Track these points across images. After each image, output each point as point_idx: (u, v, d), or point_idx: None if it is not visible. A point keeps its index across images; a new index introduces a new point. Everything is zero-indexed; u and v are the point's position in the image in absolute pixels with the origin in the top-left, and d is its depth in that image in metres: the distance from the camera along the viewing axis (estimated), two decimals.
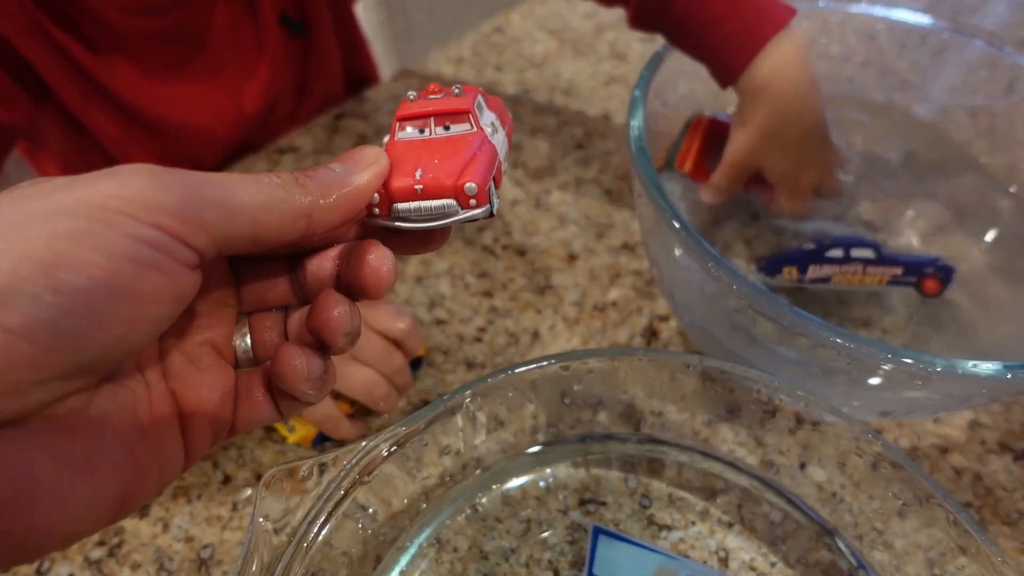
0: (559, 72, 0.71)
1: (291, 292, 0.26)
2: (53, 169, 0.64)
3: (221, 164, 0.66)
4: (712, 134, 0.50)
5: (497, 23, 0.76)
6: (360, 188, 0.23)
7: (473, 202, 0.24)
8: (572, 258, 0.54)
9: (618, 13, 0.78)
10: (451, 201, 0.23)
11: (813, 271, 0.46)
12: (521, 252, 0.54)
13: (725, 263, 0.35)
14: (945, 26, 0.53)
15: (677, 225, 0.36)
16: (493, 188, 0.25)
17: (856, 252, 0.46)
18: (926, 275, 0.46)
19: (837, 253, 0.46)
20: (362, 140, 0.64)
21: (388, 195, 0.24)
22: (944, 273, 0.46)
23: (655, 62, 0.45)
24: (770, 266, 0.47)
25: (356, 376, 0.42)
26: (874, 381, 0.36)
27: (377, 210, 0.24)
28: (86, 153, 0.62)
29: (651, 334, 0.49)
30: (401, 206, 0.24)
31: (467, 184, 0.23)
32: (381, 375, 0.42)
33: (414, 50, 1.42)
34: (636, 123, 0.41)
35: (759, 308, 0.35)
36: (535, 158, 0.62)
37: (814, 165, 0.49)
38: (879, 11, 0.54)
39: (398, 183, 0.24)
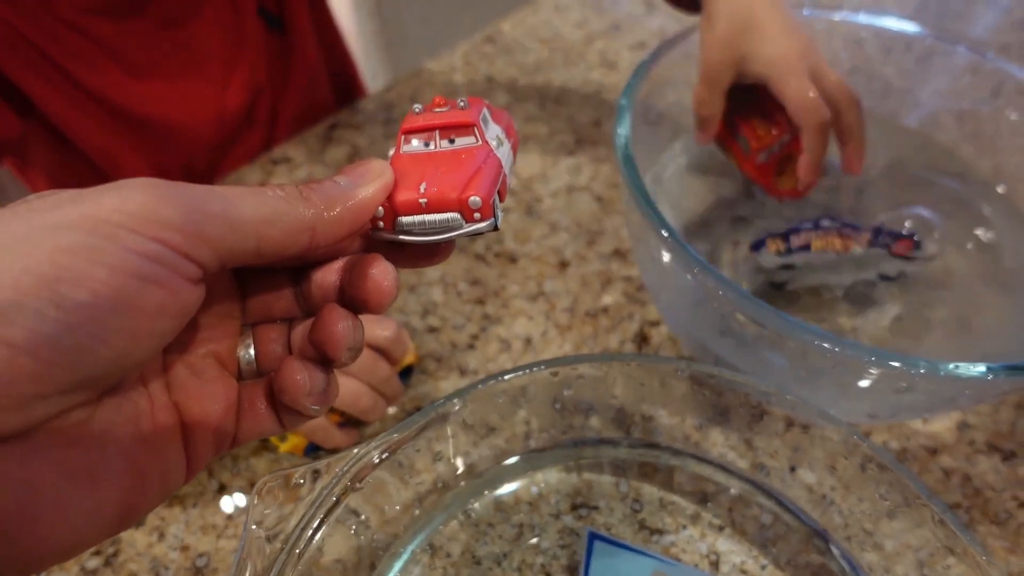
0: (550, 81, 0.72)
1: (295, 304, 0.26)
2: (43, 183, 0.64)
3: (209, 169, 0.67)
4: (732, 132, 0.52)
5: (488, 32, 0.77)
6: (364, 201, 0.23)
7: (477, 215, 0.24)
8: (564, 265, 0.54)
9: (608, 21, 0.79)
10: (455, 215, 0.24)
11: (795, 240, 0.47)
12: (513, 259, 0.55)
13: (711, 269, 0.35)
14: (929, 33, 0.54)
15: (664, 232, 0.37)
16: (498, 201, 0.25)
17: (824, 223, 0.48)
18: (894, 236, 0.47)
19: (808, 224, 0.48)
20: (355, 150, 0.64)
21: (392, 208, 0.24)
22: (910, 236, 0.48)
23: (642, 71, 0.46)
24: (756, 244, 0.48)
25: (342, 387, 0.42)
26: (860, 383, 0.37)
27: (381, 223, 0.24)
28: (73, 167, 0.62)
29: (642, 339, 0.50)
30: (405, 219, 0.24)
31: (471, 198, 0.23)
32: (367, 385, 0.43)
33: (408, 59, 1.43)
34: (623, 131, 0.42)
35: (745, 312, 0.35)
36: (527, 166, 0.62)
37: (805, 42, 0.46)
38: (864, 19, 0.54)
39: (402, 196, 0.24)
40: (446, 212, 0.24)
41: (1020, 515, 0.42)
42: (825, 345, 0.34)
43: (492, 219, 0.24)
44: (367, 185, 0.23)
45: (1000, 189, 0.52)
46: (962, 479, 0.44)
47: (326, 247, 0.23)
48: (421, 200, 0.23)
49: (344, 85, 0.79)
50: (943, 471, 0.44)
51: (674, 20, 0.79)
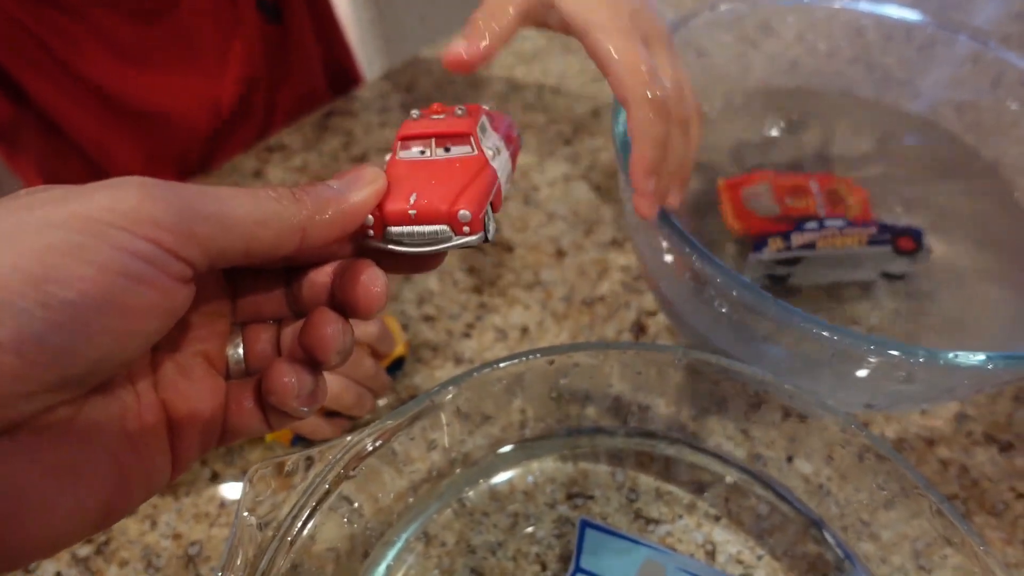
0: (548, 69, 0.71)
1: (286, 305, 0.26)
2: (31, 172, 0.63)
3: (203, 160, 0.66)
4: (738, 188, 0.51)
5: None
6: (356, 206, 0.23)
7: (466, 229, 0.23)
8: (561, 254, 0.54)
9: None
10: (444, 227, 0.23)
11: (797, 239, 0.46)
12: (509, 248, 0.54)
13: (711, 257, 0.35)
14: (931, 22, 0.53)
15: (662, 221, 0.36)
16: (490, 213, 0.25)
17: (829, 222, 0.47)
18: (899, 234, 0.47)
19: (813, 224, 0.47)
20: (351, 138, 0.64)
21: (382, 218, 0.24)
22: (914, 233, 0.47)
23: None
24: (757, 244, 0.47)
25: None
26: (858, 373, 0.36)
27: (371, 232, 0.24)
28: (64, 157, 0.62)
29: (639, 329, 0.49)
30: (394, 230, 0.24)
31: (461, 211, 0.23)
32: (350, 380, 0.42)
33: (405, 48, 1.42)
34: (622, 119, 0.41)
35: (744, 301, 0.35)
36: (524, 155, 0.62)
37: (645, 7, 0.34)
38: (865, 6, 0.54)
39: (392, 206, 0.24)
40: (435, 224, 0.24)
41: (1017, 506, 0.42)
42: (824, 334, 0.33)
43: (482, 232, 0.24)
44: (359, 190, 0.23)
45: (1000, 180, 0.52)
46: (959, 470, 0.43)
47: (316, 250, 0.23)
48: (410, 211, 0.23)
49: (341, 76, 0.78)
50: (940, 462, 0.44)
51: (674, 8, 0.78)
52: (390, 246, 0.24)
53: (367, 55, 1.31)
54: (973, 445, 0.45)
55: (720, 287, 0.35)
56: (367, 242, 0.25)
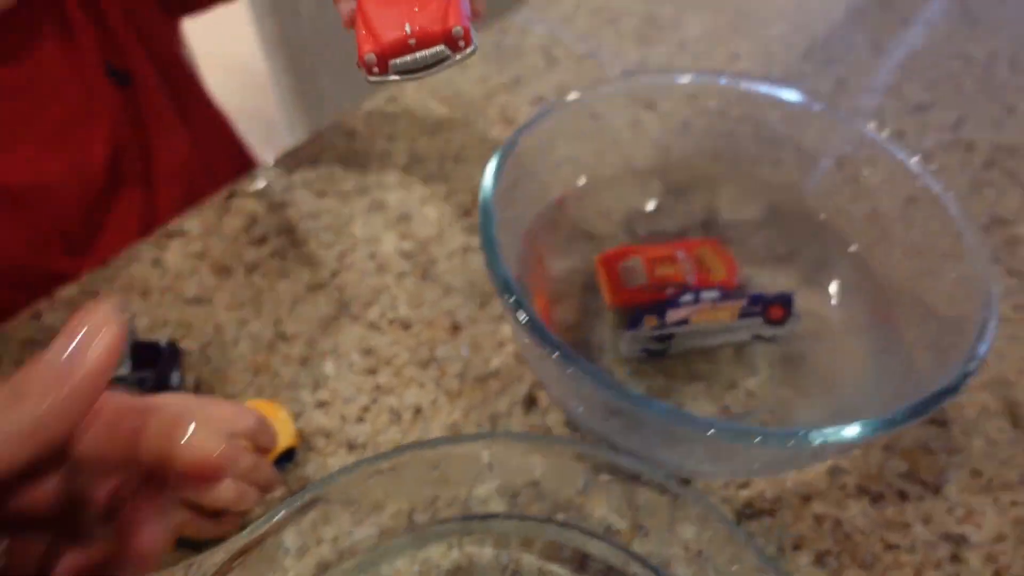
0: (450, 139, 0.73)
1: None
2: None
3: (87, 232, 0.65)
4: (614, 262, 0.53)
5: (391, 93, 0.78)
6: (92, 375, 0.20)
7: (461, 43, 0.25)
8: (456, 328, 0.55)
9: (509, 75, 0.81)
10: (442, 48, 0.25)
11: (672, 315, 0.48)
12: (406, 326, 0.56)
13: (571, 355, 0.36)
14: (812, 101, 0.55)
15: (522, 317, 0.38)
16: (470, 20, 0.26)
17: (705, 294, 0.50)
18: (769, 303, 0.50)
19: (689, 298, 0.50)
20: (253, 219, 0.64)
21: (383, 53, 0.25)
22: (783, 301, 0.50)
23: (502, 163, 0.47)
24: (632, 320, 0.49)
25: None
26: (729, 450, 0.38)
27: (376, 69, 0.26)
28: None
29: (530, 402, 0.51)
30: (398, 61, 0.26)
31: (454, 28, 0.25)
32: (229, 477, 0.40)
33: (327, 113, 1.42)
34: (489, 232, 0.42)
35: (604, 397, 0.37)
36: (424, 227, 0.64)
37: None
38: (746, 86, 0.56)
39: (390, 37, 0.25)
40: (434, 46, 0.25)
41: (886, 557, 0.44)
42: (687, 429, 0.35)
43: (473, 44, 0.26)
44: (91, 351, 0.20)
45: (856, 241, 0.55)
46: (833, 524, 0.46)
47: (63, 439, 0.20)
48: (410, 40, 0.25)
49: (227, 154, 0.79)
50: (815, 518, 0.46)
51: (573, 74, 0.81)
52: (394, 77, 0.26)
53: (290, 121, 1.31)
54: (846, 498, 0.47)
55: (581, 384, 0.37)
56: (372, 79, 0.26)
